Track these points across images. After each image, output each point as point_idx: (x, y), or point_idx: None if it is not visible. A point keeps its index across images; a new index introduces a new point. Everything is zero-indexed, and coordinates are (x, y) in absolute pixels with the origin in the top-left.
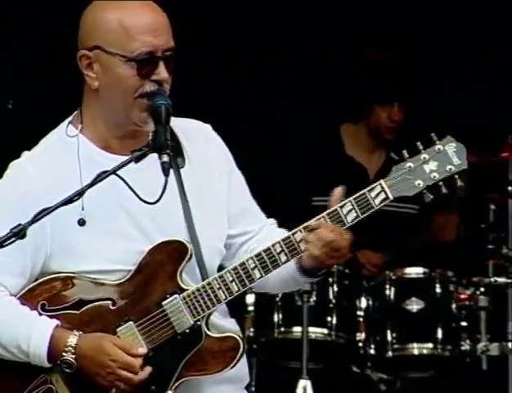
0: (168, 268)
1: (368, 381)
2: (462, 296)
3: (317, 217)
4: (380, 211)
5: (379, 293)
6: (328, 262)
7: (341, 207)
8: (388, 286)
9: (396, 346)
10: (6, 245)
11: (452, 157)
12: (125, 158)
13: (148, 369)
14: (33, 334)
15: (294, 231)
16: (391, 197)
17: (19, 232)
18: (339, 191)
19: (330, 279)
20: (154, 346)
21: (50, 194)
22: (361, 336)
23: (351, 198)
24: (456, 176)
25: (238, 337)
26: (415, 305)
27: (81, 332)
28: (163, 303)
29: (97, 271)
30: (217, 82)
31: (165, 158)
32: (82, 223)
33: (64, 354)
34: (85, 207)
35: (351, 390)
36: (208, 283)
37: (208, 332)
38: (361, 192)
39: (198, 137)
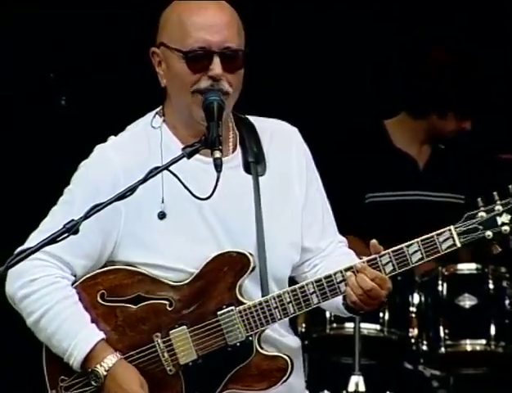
0: (229, 278)
1: (420, 377)
2: None
3: (383, 253)
4: (428, 202)
5: (431, 289)
6: (364, 308)
7: (407, 247)
8: (440, 282)
9: (448, 342)
10: (59, 240)
11: None
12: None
13: None
14: (78, 335)
15: (358, 262)
16: (458, 245)
17: (71, 228)
18: (375, 243)
19: None
20: (203, 354)
21: (130, 181)
22: (413, 332)
23: (418, 239)
24: None
25: (288, 359)
26: (467, 301)
27: (122, 357)
28: (219, 313)
29: (161, 266)
30: None
31: (217, 154)
32: (162, 216)
33: (97, 366)
34: (164, 200)
35: (403, 387)
36: (266, 301)
37: (259, 349)
38: (429, 235)
39: (282, 141)
